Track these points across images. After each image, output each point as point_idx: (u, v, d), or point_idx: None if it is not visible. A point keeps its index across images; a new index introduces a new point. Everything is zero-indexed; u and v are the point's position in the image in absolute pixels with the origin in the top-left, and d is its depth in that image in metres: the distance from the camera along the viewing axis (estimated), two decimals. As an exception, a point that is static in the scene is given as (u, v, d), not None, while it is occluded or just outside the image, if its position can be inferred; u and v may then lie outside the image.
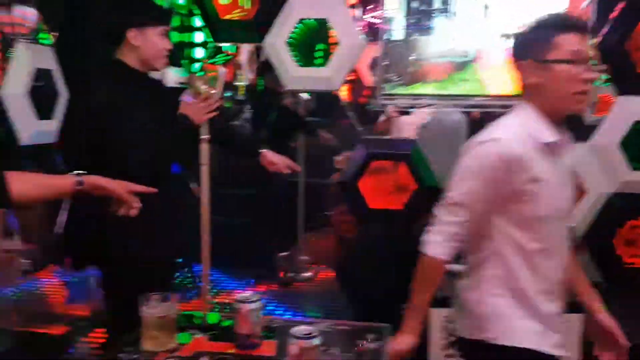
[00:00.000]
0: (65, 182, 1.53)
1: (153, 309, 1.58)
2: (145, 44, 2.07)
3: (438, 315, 2.89)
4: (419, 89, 2.96)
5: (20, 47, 3.04)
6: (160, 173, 2.12)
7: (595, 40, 2.98)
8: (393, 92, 2.97)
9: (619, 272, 2.87)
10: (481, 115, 3.33)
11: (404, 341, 1.65)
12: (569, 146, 1.66)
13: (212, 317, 1.78)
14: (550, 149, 1.58)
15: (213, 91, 2.21)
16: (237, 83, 6.15)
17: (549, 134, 1.57)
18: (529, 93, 1.61)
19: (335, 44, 3.17)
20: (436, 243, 1.61)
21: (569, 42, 1.54)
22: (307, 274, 4.50)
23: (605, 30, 3.01)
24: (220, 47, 4.54)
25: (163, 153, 2.13)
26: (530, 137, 1.56)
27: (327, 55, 3.14)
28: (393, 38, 2.93)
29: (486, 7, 2.89)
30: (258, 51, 4.87)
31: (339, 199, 4.86)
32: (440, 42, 2.91)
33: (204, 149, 2.47)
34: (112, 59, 2.13)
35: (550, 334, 1.63)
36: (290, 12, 3.12)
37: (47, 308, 3.76)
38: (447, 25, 2.92)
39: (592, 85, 1.59)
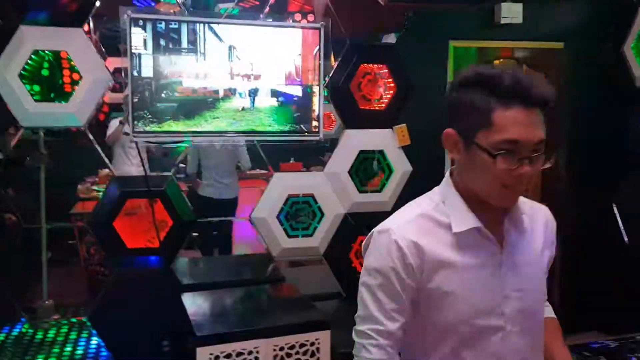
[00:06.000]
0: None
1: None
2: None
3: None
4: (171, 126, 2.98)
5: None
6: None
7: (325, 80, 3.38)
8: (147, 129, 2.93)
9: (355, 283, 3.30)
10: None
11: None
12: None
13: None
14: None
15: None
16: None
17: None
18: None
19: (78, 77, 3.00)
20: None
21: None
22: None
23: (333, 70, 3.44)
24: None
25: None
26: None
27: (68, 90, 2.95)
28: (142, 75, 2.89)
29: (231, 48, 3.05)
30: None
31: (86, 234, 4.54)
32: (190, 81, 2.98)
33: None
34: None
35: None
36: (21, 41, 2.86)
37: None
38: (195, 65, 2.99)
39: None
